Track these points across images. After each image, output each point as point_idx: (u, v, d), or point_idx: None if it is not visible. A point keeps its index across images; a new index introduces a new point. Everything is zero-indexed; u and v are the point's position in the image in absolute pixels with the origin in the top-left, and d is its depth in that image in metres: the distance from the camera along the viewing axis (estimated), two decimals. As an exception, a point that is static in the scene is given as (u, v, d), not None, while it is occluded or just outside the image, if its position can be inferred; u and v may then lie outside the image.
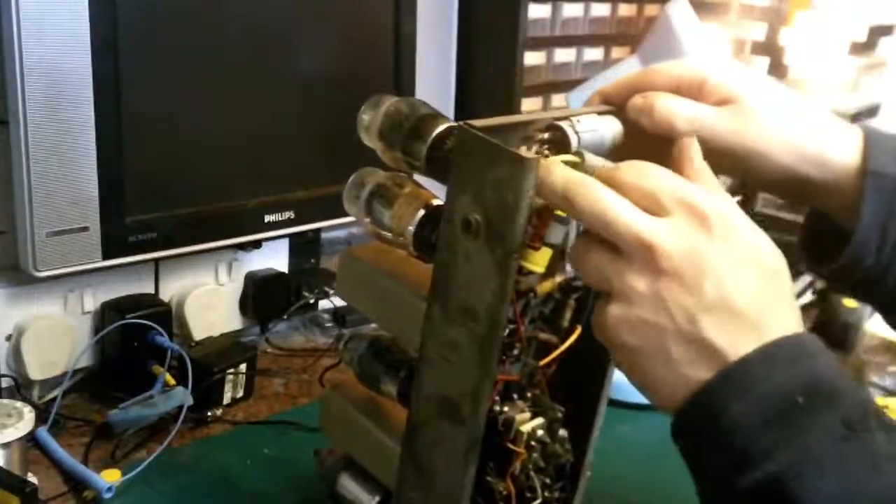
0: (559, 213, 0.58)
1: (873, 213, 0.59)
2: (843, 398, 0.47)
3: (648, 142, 0.62)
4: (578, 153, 0.56)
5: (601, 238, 0.50)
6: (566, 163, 0.55)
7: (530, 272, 0.59)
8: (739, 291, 0.48)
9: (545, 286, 0.62)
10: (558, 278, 0.63)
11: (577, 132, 0.57)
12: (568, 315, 0.63)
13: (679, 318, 0.48)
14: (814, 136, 0.61)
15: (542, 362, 0.62)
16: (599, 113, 0.62)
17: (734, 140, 0.60)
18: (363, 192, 0.66)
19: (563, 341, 0.63)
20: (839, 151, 0.61)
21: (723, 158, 0.61)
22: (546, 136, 0.58)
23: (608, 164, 0.57)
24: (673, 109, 0.61)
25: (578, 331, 0.62)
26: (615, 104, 0.63)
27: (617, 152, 0.61)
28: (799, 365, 0.47)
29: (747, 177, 0.63)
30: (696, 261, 0.48)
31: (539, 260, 0.59)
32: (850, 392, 0.47)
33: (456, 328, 0.57)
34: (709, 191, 0.51)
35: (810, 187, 0.61)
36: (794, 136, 0.61)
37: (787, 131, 0.61)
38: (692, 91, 0.62)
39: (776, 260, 0.50)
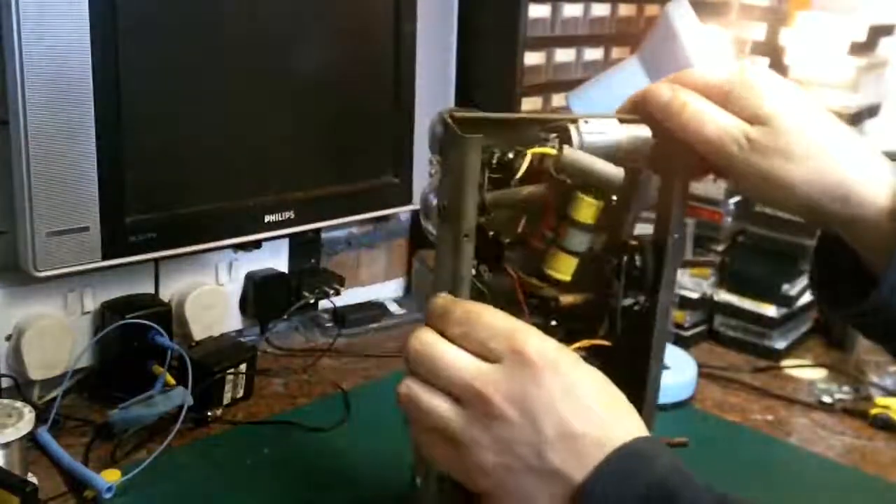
0: (578, 218, 0.57)
1: None
2: (680, 499, 0.48)
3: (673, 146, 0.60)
4: (559, 148, 0.57)
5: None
6: (539, 153, 0.56)
7: (557, 281, 0.59)
8: (577, 418, 0.50)
9: (567, 299, 0.61)
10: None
11: (580, 133, 0.57)
12: (602, 330, 0.63)
13: (526, 456, 0.50)
14: (842, 171, 0.57)
15: None
16: (625, 120, 0.60)
17: (758, 165, 0.57)
18: None
19: (596, 356, 0.63)
20: (867, 189, 0.57)
21: (743, 179, 0.59)
22: (552, 136, 0.58)
23: (594, 161, 0.57)
24: (704, 115, 0.58)
25: (585, 342, 0.62)
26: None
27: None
28: (638, 474, 0.49)
29: (766, 201, 0.61)
30: (529, 403, 0.50)
31: (563, 268, 0.59)
32: (690, 490, 0.49)
33: None
34: (535, 331, 0.53)
35: (833, 220, 0.59)
36: (819, 169, 0.57)
37: (814, 163, 0.57)
38: (717, 98, 0.59)
39: (602, 377, 0.53)
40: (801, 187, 0.57)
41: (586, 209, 0.58)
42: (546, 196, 0.58)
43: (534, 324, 0.60)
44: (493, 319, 0.52)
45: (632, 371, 0.64)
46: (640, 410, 0.65)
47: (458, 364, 0.51)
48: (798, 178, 0.57)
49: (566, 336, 0.62)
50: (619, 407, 0.52)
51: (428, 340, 0.53)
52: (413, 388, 0.52)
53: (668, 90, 0.59)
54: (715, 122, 0.58)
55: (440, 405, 0.51)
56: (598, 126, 0.58)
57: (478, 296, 0.58)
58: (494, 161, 0.57)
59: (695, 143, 0.58)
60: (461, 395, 0.51)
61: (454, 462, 0.52)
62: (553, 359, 0.51)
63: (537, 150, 0.56)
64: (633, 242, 0.63)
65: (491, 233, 0.58)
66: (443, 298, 0.55)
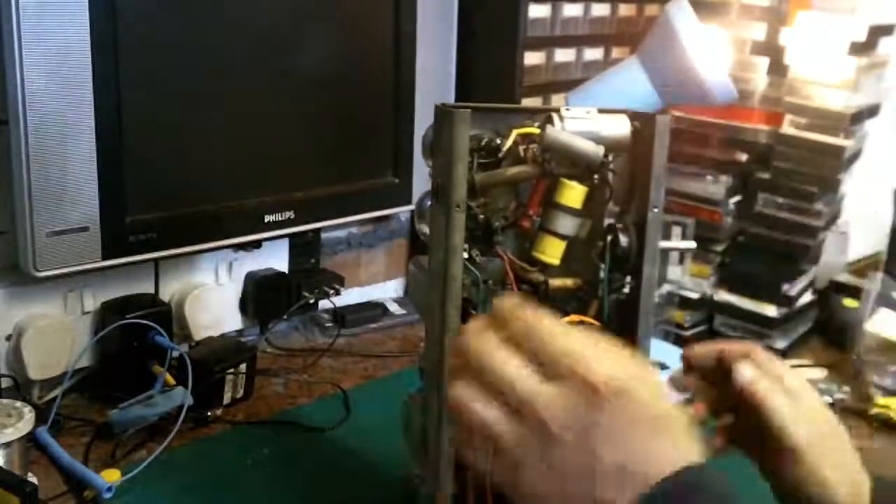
0: (563, 202, 0.59)
1: None
2: None
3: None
4: (541, 127, 0.60)
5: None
6: (524, 132, 0.60)
7: (546, 265, 0.62)
8: (633, 452, 0.47)
9: (556, 282, 0.63)
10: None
11: (562, 118, 0.61)
12: (592, 312, 0.64)
13: (577, 482, 0.48)
14: (838, 463, 0.65)
15: None
16: (607, 111, 0.63)
17: (793, 431, 0.63)
18: None
19: None
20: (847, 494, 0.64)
21: (774, 440, 0.63)
22: (536, 125, 0.62)
23: (574, 138, 0.60)
24: (778, 395, 0.64)
25: (574, 317, 0.64)
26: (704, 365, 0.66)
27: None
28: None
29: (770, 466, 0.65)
30: (589, 432, 0.47)
31: (551, 251, 0.62)
32: None
33: (432, 293, 0.60)
34: (608, 357, 0.50)
35: None
36: (820, 455, 0.64)
37: (819, 447, 0.64)
38: None
39: (666, 408, 0.50)
40: (806, 456, 0.63)
41: (569, 191, 0.61)
42: (532, 175, 0.61)
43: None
44: (563, 338, 0.50)
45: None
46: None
47: (520, 380, 0.49)
48: (807, 449, 0.63)
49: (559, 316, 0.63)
50: (676, 437, 0.50)
51: (487, 349, 0.50)
52: (467, 395, 0.50)
53: (753, 370, 0.64)
54: (782, 402, 0.64)
55: (495, 418, 0.49)
56: (579, 113, 0.62)
57: (471, 283, 0.60)
58: (482, 144, 0.60)
59: (760, 409, 0.63)
60: (520, 410, 0.48)
61: (503, 474, 0.50)
62: (622, 387, 0.48)
63: (522, 130, 0.61)
64: (616, 224, 0.65)
65: (482, 216, 0.61)
66: (513, 301, 0.52)
